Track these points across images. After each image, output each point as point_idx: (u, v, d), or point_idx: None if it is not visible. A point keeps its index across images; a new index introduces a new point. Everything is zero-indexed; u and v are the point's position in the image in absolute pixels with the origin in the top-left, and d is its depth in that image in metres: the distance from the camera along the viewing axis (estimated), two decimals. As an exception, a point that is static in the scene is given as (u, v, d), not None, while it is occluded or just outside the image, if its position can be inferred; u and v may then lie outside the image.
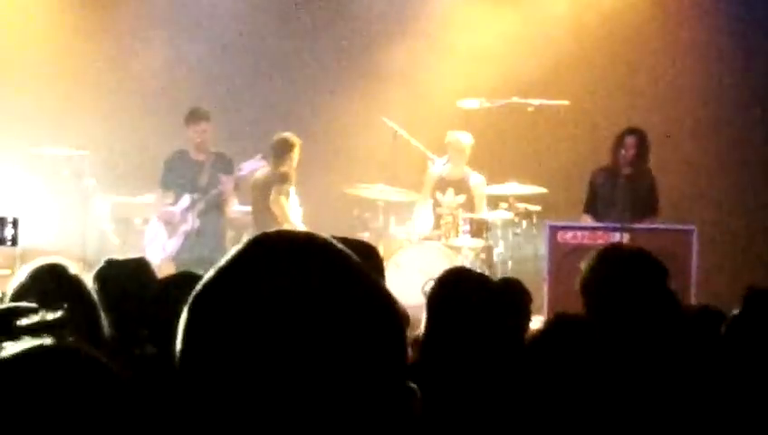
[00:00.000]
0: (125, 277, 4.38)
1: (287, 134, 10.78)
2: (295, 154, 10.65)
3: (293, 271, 1.39)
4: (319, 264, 1.41)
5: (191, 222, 10.18)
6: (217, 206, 10.33)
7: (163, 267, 9.95)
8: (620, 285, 3.58)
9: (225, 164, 10.45)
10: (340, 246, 1.47)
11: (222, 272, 1.42)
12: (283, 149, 10.62)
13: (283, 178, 10.47)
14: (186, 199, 10.26)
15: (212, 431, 1.37)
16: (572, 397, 3.15)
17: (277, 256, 1.42)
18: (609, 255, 3.84)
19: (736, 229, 11.99)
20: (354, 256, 1.46)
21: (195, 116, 10.42)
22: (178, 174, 10.34)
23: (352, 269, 1.45)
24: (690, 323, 3.73)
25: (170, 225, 10.26)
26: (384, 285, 1.48)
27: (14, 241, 6.98)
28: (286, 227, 9.47)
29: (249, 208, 11.19)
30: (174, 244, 10.25)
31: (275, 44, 12.67)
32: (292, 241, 1.45)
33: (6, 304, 2.93)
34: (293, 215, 10.62)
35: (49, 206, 11.65)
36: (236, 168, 10.38)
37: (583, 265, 3.85)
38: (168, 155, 10.62)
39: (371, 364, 1.37)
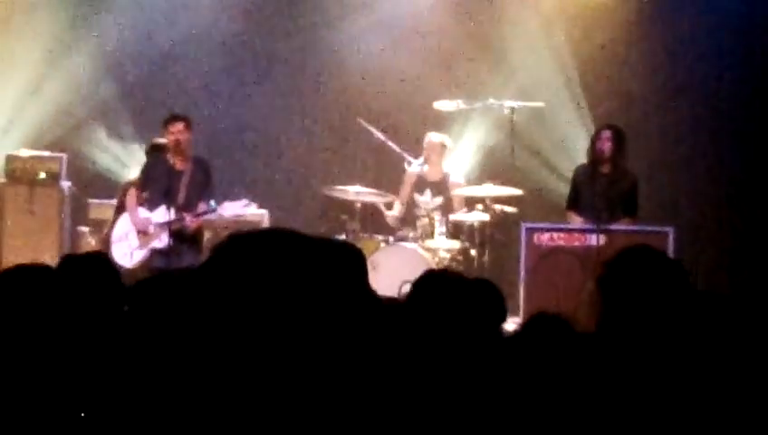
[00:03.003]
0: (84, 273, 4.36)
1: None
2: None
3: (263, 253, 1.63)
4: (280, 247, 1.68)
5: (164, 241, 9.93)
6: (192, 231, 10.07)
7: (128, 274, 9.87)
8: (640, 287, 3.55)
9: (202, 174, 10.16)
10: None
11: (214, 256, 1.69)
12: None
13: None
14: (161, 213, 10.01)
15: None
16: (550, 395, 3.17)
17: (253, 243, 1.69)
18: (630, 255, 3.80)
19: (717, 231, 12.03)
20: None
21: (170, 118, 10.25)
22: (157, 180, 10.11)
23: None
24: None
25: (143, 234, 10.07)
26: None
27: None
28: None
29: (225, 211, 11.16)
30: (141, 255, 10.07)
31: (251, 47, 12.65)
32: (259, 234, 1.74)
33: None
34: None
35: (26, 208, 11.63)
36: (218, 204, 9.98)
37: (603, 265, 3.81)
38: (148, 160, 10.48)
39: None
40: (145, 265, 9.94)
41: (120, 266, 9.82)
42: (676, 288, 3.40)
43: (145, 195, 10.19)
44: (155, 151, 10.44)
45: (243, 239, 1.66)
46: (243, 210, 10.04)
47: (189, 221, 9.87)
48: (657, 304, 3.40)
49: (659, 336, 3.33)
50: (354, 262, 4.02)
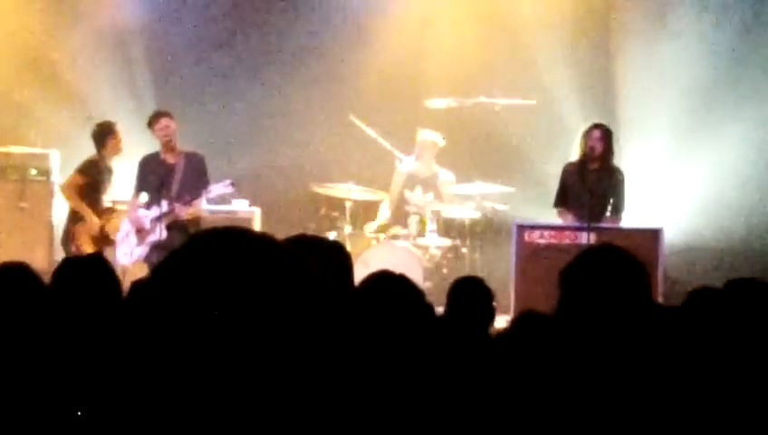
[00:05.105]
0: (83, 275, 4.37)
1: (105, 121, 10.80)
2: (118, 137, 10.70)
3: (223, 255, 1.59)
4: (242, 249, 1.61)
5: (159, 233, 10.02)
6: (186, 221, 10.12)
7: (130, 271, 9.94)
8: (599, 283, 3.56)
9: (196, 167, 10.23)
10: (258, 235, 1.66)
11: (169, 260, 1.63)
12: (103, 135, 10.67)
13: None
14: (156, 209, 10.10)
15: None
16: (538, 394, 3.17)
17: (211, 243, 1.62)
18: (591, 253, 3.82)
19: (705, 231, 12.04)
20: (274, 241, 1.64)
21: (155, 115, 10.34)
22: (151, 178, 10.19)
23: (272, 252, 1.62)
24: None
25: (141, 232, 10.15)
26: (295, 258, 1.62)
27: None
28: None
29: (214, 208, 11.14)
30: (140, 252, 10.15)
31: (243, 43, 12.64)
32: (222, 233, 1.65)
33: None
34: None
35: (17, 205, 11.62)
36: (207, 185, 10.09)
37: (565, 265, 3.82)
38: (142, 158, 10.51)
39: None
40: (145, 261, 10.06)
41: (123, 265, 9.96)
42: (636, 290, 3.39)
43: (141, 195, 10.29)
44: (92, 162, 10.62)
45: (202, 239, 1.64)
46: (227, 189, 10.10)
47: (179, 210, 9.95)
48: (618, 306, 3.40)
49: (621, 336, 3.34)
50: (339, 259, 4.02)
